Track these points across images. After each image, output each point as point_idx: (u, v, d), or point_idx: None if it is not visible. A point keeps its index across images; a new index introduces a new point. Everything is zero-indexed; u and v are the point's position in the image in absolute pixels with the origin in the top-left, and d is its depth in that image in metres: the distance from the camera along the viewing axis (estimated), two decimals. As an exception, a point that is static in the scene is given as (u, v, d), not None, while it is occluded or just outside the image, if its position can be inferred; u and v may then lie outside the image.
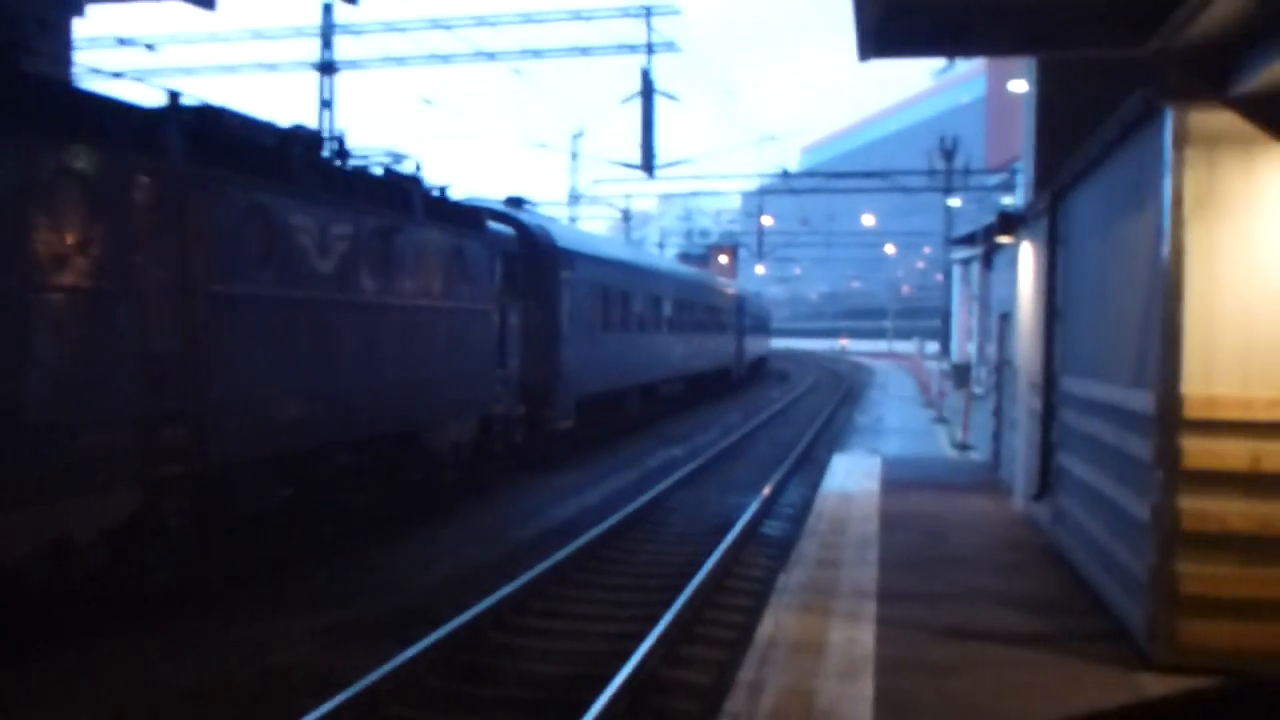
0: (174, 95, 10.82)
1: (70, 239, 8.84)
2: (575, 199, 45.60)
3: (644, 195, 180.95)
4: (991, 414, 18.90)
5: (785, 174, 46.59)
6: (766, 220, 64.55)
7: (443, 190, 16.40)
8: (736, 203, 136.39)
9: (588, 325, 23.98)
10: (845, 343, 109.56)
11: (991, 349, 20.71)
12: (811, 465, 22.07)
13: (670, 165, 35.50)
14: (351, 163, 14.06)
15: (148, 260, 9.71)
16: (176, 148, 10.25)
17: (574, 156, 46.04)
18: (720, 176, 58.38)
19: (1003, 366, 17.35)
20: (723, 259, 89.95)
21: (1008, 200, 34.66)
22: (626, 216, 52.46)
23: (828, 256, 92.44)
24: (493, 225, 18.59)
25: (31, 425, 8.47)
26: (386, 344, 14.08)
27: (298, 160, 12.35)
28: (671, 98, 31.07)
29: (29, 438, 8.46)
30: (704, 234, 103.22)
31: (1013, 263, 16.04)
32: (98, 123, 9.36)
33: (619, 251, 30.02)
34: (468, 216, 17.10)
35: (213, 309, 10.60)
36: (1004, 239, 16.79)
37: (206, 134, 10.83)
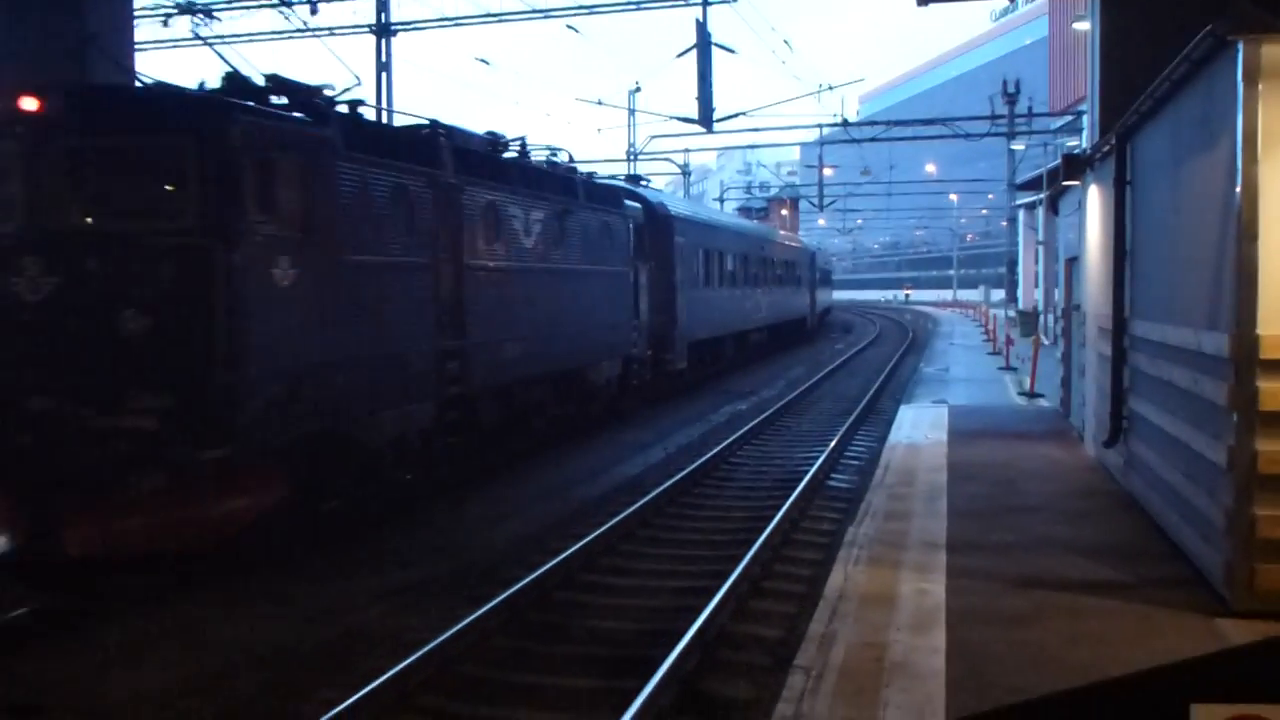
0: (434, 124, 14.78)
1: (420, 231, 13.35)
2: (634, 155, 45.01)
3: (702, 150, 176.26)
4: (1059, 360, 18.59)
5: (845, 123, 45.60)
6: (827, 171, 63.01)
7: (590, 175, 20.96)
8: (796, 155, 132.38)
9: (694, 282, 27.94)
10: (909, 293, 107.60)
11: (1059, 294, 20.38)
12: (877, 417, 21.95)
13: (728, 118, 34.60)
14: (533, 157, 18.02)
15: (440, 243, 13.78)
16: (448, 164, 14.27)
17: (631, 113, 45.42)
18: (779, 129, 58.95)
19: (1071, 312, 17.03)
20: (784, 212, 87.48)
21: (1073, 143, 33.23)
22: (686, 172, 51.75)
23: (889, 206, 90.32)
24: (626, 201, 22.27)
25: (393, 354, 12.60)
26: (565, 300, 17.97)
27: (507, 163, 16.44)
28: (728, 50, 29.26)
29: (394, 362, 12.61)
30: (764, 187, 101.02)
31: (1079, 206, 15.65)
32: (413, 151, 13.51)
33: (715, 217, 35.67)
34: (610, 196, 21.17)
35: (468, 277, 14.46)
36: (1070, 182, 16.50)
37: (457, 150, 14.64)
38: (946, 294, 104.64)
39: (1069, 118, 41.54)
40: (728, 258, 32.27)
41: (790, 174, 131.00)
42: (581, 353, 19.09)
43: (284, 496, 10.95)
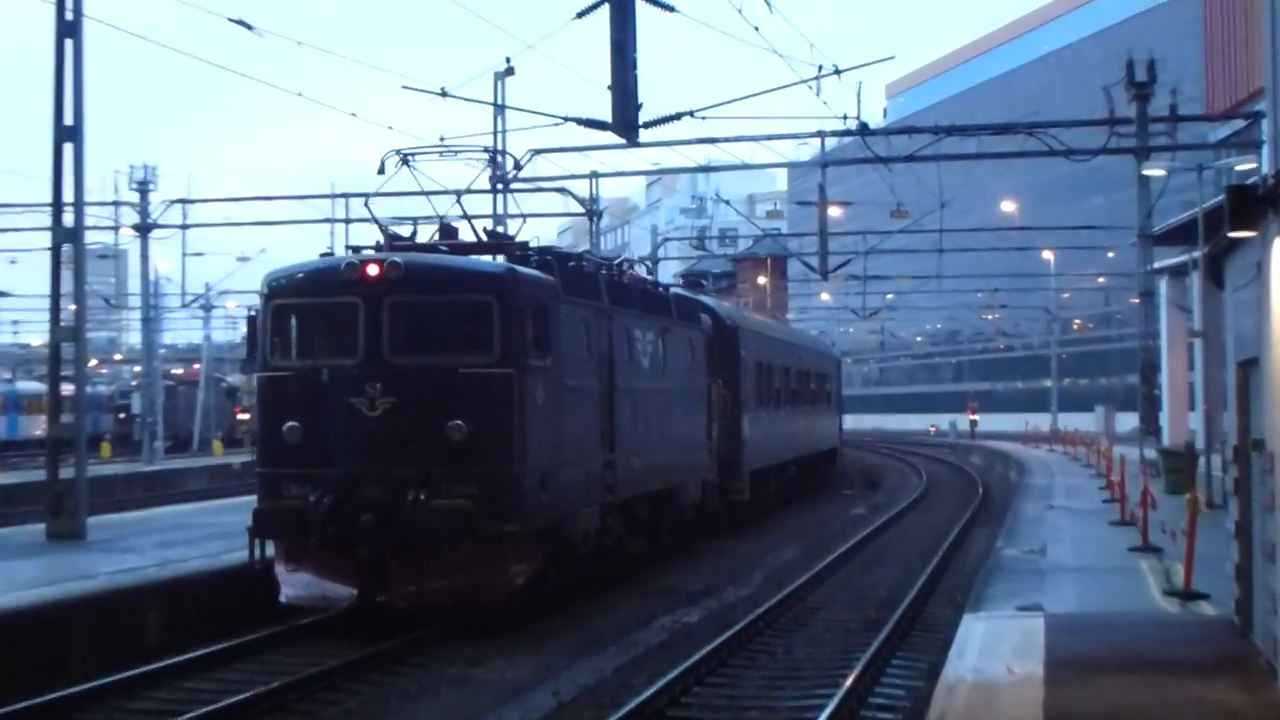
0: (595, 258, 19.37)
1: (595, 358, 17.36)
2: (503, 183, 26.95)
3: (623, 174, 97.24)
4: (1232, 535, 12.33)
5: (862, 130, 26.85)
6: (833, 211, 35.06)
7: (667, 287, 23.07)
8: (781, 183, 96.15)
9: (756, 401, 27.36)
10: (975, 417, 66.08)
11: (1229, 421, 13.51)
12: (925, 635, 15.21)
13: (663, 123, 21.09)
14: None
15: (602, 367, 17.40)
16: (604, 293, 17.80)
17: (499, 110, 27.91)
18: (753, 139, 29.29)
19: (1249, 452, 11.44)
20: (760, 280, 65.07)
21: (1245, 165, 21.69)
22: (594, 210, 30.62)
23: (940, 271, 49.18)
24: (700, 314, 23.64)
25: (581, 463, 16.56)
26: (668, 417, 20.16)
27: (630, 287, 19.50)
28: (664, 5, 18.14)
29: (582, 470, 16.57)
30: (727, 237, 76.22)
31: (1259, 273, 10.52)
32: (581, 284, 17.23)
33: (762, 323, 33.38)
34: (690, 309, 22.75)
35: (617, 396, 17.75)
36: (1242, 233, 11.10)
37: (607, 280, 18.47)
38: (1040, 419, 64.37)
39: (1238, 123, 27.52)
40: (776, 373, 30.62)
41: (771, 214, 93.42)
42: (676, 471, 20.80)
43: (540, 569, 14.93)
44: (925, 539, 24.45)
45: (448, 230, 17.06)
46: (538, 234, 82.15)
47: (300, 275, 15.32)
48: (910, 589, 17.45)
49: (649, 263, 21.84)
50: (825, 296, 70.29)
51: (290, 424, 14.49)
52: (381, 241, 16.48)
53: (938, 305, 71.34)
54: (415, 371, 14.32)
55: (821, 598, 17.76)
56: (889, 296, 67.66)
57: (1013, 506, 26.39)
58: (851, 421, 56.26)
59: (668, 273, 51.61)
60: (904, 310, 76.92)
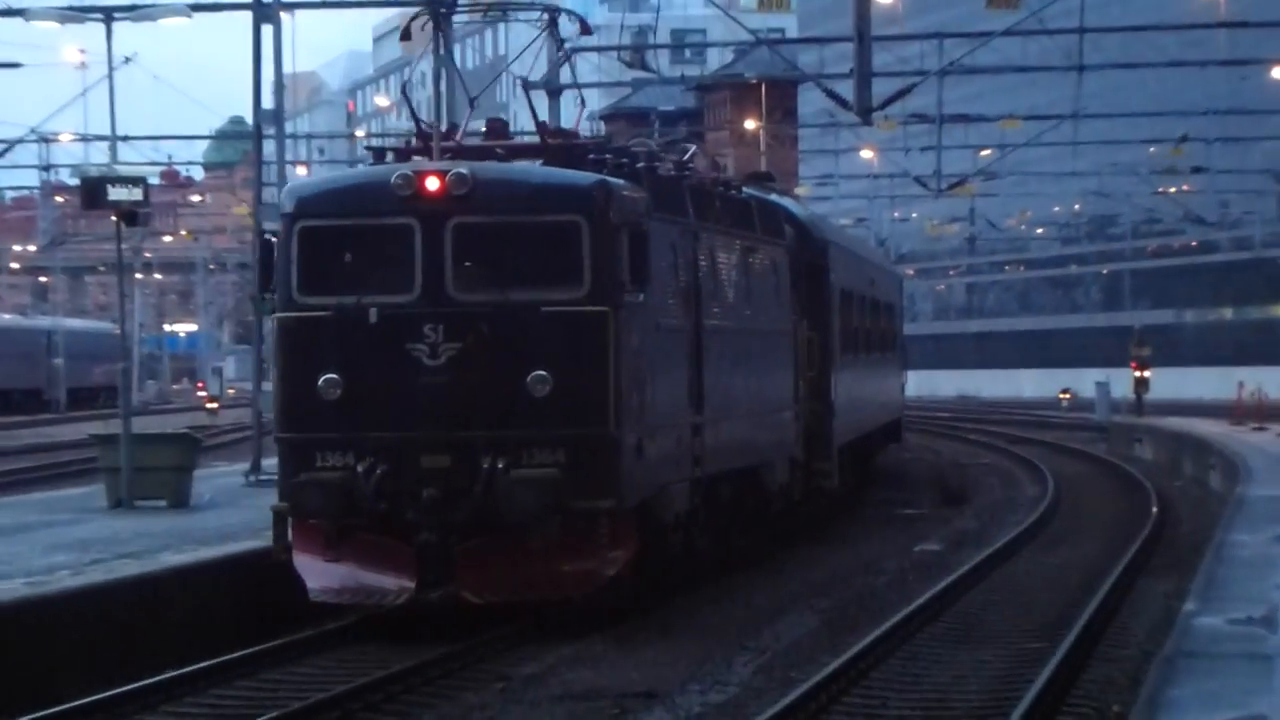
0: (655, 150, 15.73)
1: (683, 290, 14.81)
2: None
3: None
4: None
5: None
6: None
7: (738, 187, 18.11)
8: None
9: (845, 348, 21.93)
10: (1144, 373, 40.50)
11: None
12: None
13: None
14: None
15: (689, 301, 15.00)
16: (689, 205, 15.11)
17: None
18: None
19: None
20: (749, 123, 41.72)
21: None
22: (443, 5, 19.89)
23: (1073, 114, 32.57)
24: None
25: (668, 425, 14.12)
26: (753, 370, 16.93)
27: (713, 193, 16.38)
28: None
29: (670, 435, 14.17)
30: (691, 46, 52.67)
31: None
32: (666, 195, 14.54)
33: (839, 230, 26.40)
34: (772, 219, 18.40)
35: (705, 339, 15.17)
36: None
37: (692, 186, 15.56)
38: (1269, 376, 42.36)
39: None
40: (856, 305, 23.54)
41: (767, 4, 40.40)
42: (761, 443, 17.48)
43: (635, 557, 12.64)
44: (1053, 598, 15.17)
45: (497, 127, 15.02)
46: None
47: (339, 189, 13.66)
48: (1024, 694, 9.96)
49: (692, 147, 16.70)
50: (868, 155, 48.24)
51: (327, 376, 12.40)
52: (413, 142, 14.32)
53: (1073, 170, 46.43)
54: (486, 310, 12.52)
55: (863, 709, 10.30)
56: (983, 154, 43.26)
57: (1215, 539, 15.75)
58: (916, 382, 39.84)
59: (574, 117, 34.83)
60: (1011, 182, 50.27)
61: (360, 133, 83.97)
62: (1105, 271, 64.86)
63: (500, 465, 12.09)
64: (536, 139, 14.69)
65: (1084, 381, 45.49)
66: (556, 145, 14.23)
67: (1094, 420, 40.83)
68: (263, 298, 15.53)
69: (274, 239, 13.30)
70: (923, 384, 54.99)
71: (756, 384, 17.29)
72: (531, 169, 13.63)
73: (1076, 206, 62.23)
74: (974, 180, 44.46)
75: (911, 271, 70.25)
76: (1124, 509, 24.03)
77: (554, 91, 29.55)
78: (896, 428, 30.07)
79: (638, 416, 12.91)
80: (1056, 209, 62.97)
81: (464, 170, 12.63)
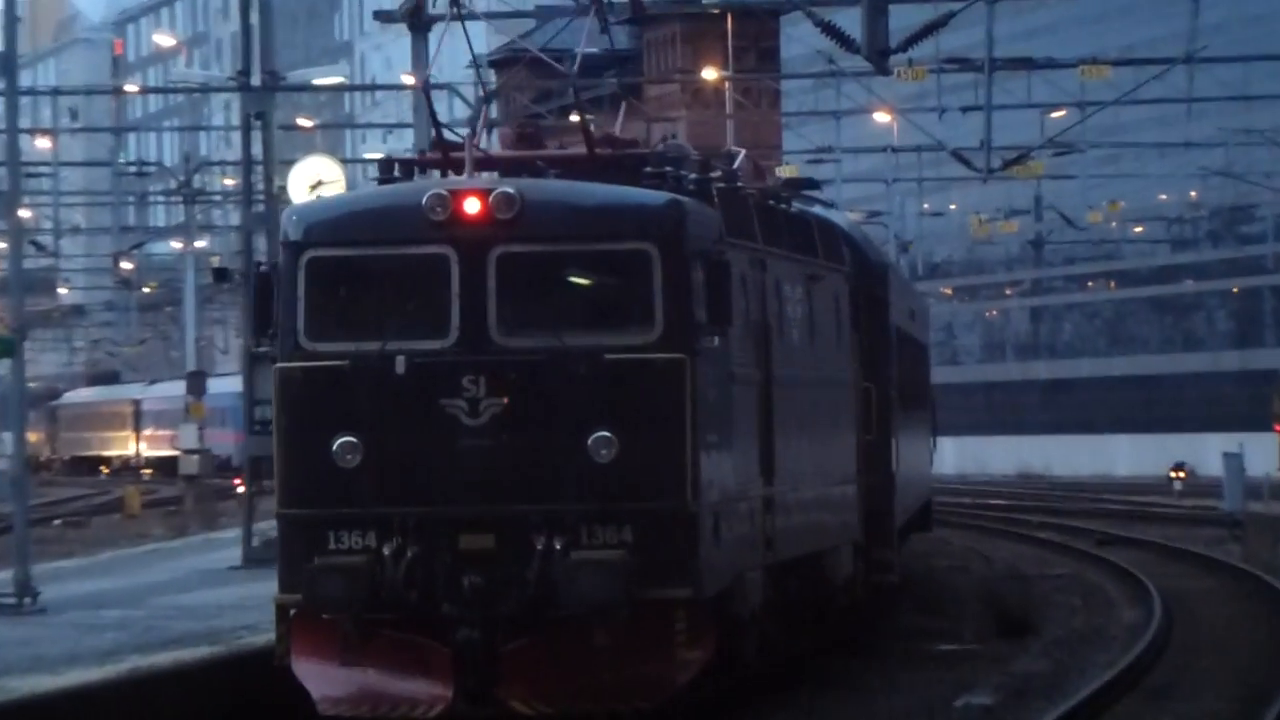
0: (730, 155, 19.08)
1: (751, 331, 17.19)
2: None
3: None
4: None
5: None
6: None
7: (788, 199, 20.98)
8: None
9: (905, 399, 25.41)
10: None
11: None
12: None
13: None
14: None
15: (758, 344, 17.51)
16: (756, 226, 17.70)
17: None
18: None
19: None
20: (708, 71, 44.10)
21: None
22: None
23: (1188, 56, 35.85)
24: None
25: (740, 496, 16.44)
26: (816, 428, 19.83)
27: (778, 212, 19.63)
28: None
29: (740, 509, 16.39)
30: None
31: None
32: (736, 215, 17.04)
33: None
34: (831, 239, 21.45)
35: (775, 392, 17.85)
36: None
37: (758, 204, 18.69)
38: None
39: None
40: (904, 348, 26.73)
41: None
42: (827, 523, 20.20)
43: (713, 658, 14.51)
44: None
45: (531, 134, 17.29)
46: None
47: (356, 212, 15.41)
48: None
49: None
50: (883, 119, 52.65)
51: (343, 439, 14.19)
52: (427, 152, 16.55)
53: (1187, 140, 48.42)
54: (538, 358, 14.30)
55: None
56: (1054, 117, 47.15)
57: None
58: (957, 453, 43.26)
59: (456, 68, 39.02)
60: (1095, 159, 54.60)
61: (133, 86, 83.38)
62: (1236, 290, 65.96)
63: (557, 546, 13.79)
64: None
65: (1206, 453, 47.70)
66: (606, 156, 16.16)
67: (1222, 510, 41.17)
68: (258, 344, 17.01)
69: (273, 272, 15.00)
70: (967, 456, 59.10)
71: (822, 449, 20.01)
72: (591, 187, 15.32)
73: (1193, 194, 63.34)
74: (1040, 156, 45.67)
75: (949, 291, 73.05)
76: (1266, 644, 24.31)
77: (420, 25, 29.64)
78: (926, 512, 31.76)
79: (715, 487, 14.84)
80: (1163, 197, 64.74)
81: (510, 189, 14.38)
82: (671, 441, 14.24)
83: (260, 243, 39.60)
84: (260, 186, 34.90)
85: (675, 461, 14.25)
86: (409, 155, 17.37)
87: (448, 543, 14.05)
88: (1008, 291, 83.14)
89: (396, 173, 16.22)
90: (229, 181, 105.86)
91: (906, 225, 64.53)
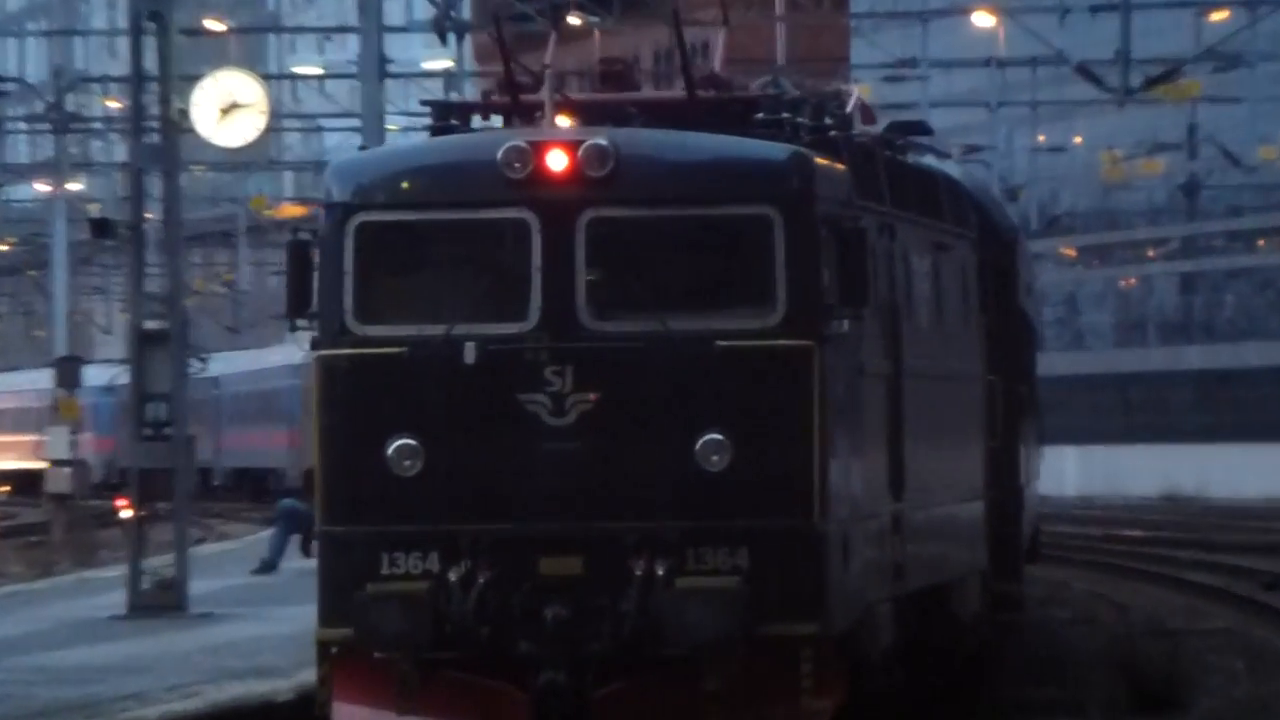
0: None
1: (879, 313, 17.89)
2: None
3: None
4: None
5: None
6: None
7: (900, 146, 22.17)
8: None
9: (1030, 395, 27.64)
10: None
11: None
12: None
13: None
14: None
15: (883, 335, 18.33)
16: (884, 185, 18.56)
17: None
18: None
19: None
20: None
21: None
22: None
23: None
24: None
25: (870, 514, 17.36)
26: (942, 432, 21.07)
27: (908, 168, 21.47)
28: None
29: (870, 529, 17.38)
30: None
31: None
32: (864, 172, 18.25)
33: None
34: (957, 200, 22.93)
35: (905, 387, 19.05)
36: None
37: (888, 159, 20.13)
38: None
39: None
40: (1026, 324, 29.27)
41: None
42: (956, 553, 21.51)
43: (843, 704, 15.26)
44: None
45: (620, 73, 18.19)
46: None
47: (416, 168, 15.83)
48: None
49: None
50: (985, 23, 58.47)
51: (401, 443, 14.83)
52: (494, 97, 17.35)
53: None
54: (636, 346, 14.90)
55: None
56: (1213, 19, 52.10)
57: None
58: (1082, 468, 50.17)
59: None
60: (1268, 76, 61.36)
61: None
62: None
63: (658, 572, 14.41)
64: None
65: None
66: (710, 100, 16.95)
67: None
68: (294, 327, 17.63)
69: (312, 241, 15.55)
70: (1094, 471, 61.46)
71: (950, 458, 21.32)
72: (698, 139, 15.90)
73: None
74: (1196, 72, 48.34)
75: (1072, 252, 72.17)
76: None
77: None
78: (1035, 539, 32.52)
79: (845, 501, 15.61)
80: None
81: (604, 141, 14.95)
82: (795, 446, 14.85)
83: (154, 185, 39.76)
84: (155, 110, 34.95)
85: (800, 470, 14.85)
86: (467, 100, 18.59)
87: (526, 567, 14.68)
88: (1150, 253, 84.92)
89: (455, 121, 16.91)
90: (113, 104, 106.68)
91: (1015, 164, 64.98)
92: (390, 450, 14.74)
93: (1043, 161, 71.58)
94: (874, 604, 16.76)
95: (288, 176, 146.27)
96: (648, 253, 15.20)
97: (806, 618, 14.67)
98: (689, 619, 14.12)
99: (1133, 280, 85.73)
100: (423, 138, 18.16)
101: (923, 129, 26.07)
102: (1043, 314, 36.12)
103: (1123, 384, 79.91)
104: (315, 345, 15.96)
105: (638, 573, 14.41)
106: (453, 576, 14.51)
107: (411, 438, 14.75)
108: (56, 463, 68.19)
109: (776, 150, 15.65)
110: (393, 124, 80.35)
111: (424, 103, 18.36)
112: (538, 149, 14.91)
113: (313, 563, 22.37)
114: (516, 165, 14.83)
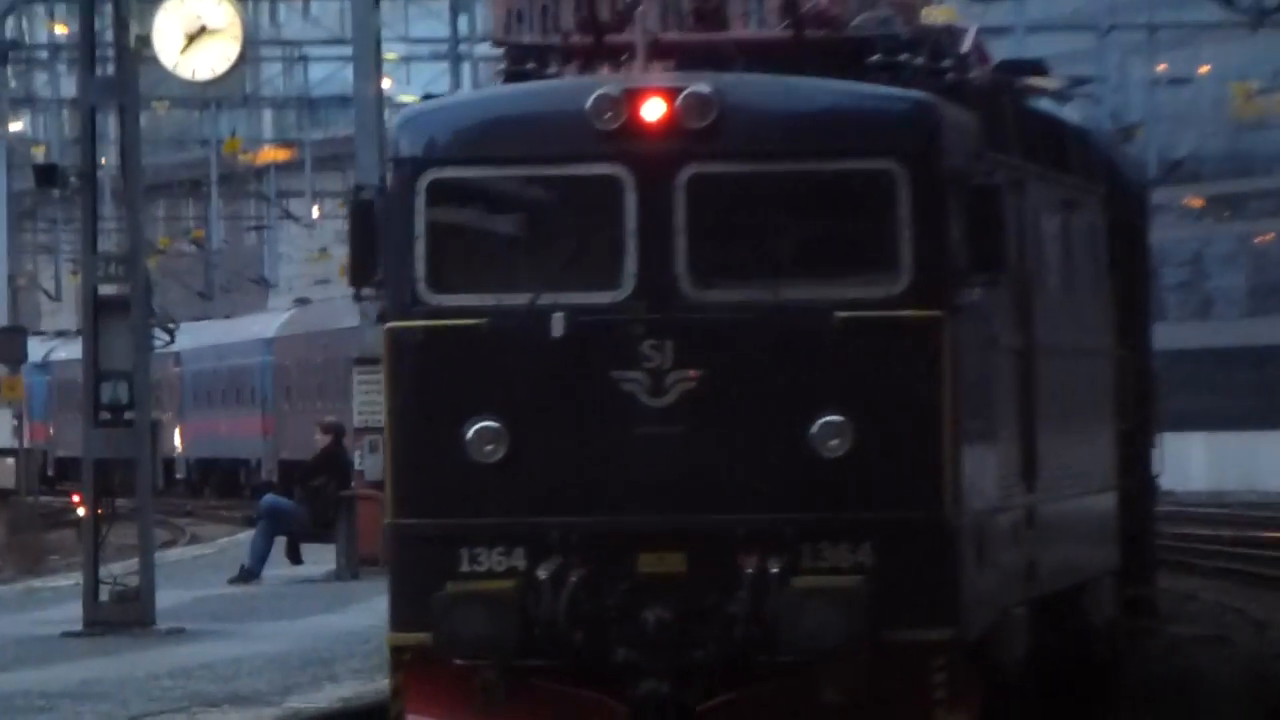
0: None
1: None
2: None
3: None
4: None
5: None
6: None
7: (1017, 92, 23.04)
8: None
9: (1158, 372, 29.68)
10: None
11: None
12: None
13: None
14: None
15: (1013, 306, 19.06)
16: (1014, 140, 19.43)
17: None
18: None
19: None
20: None
21: None
22: None
23: None
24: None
25: (999, 508, 18.05)
26: (1074, 414, 22.02)
27: (1041, 116, 23.36)
28: None
29: (1002, 522, 18.03)
30: None
31: None
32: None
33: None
34: (1083, 150, 24.27)
35: (1040, 366, 19.93)
36: None
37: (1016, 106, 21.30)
38: None
39: None
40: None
41: None
42: (1088, 552, 22.38)
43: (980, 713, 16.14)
44: None
45: (710, 11, 19.16)
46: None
47: (494, 119, 16.38)
48: None
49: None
50: None
51: (481, 425, 15.46)
52: (574, 38, 18.13)
53: None
54: (744, 318, 15.50)
55: None
56: None
57: None
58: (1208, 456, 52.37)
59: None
60: None
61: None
62: None
63: (771, 570, 14.98)
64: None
65: None
66: (819, 40, 17.72)
67: None
68: (359, 295, 18.33)
69: (378, 200, 16.21)
70: (1226, 462, 64.80)
71: (1082, 443, 22.14)
72: (811, 84, 16.57)
73: None
74: None
75: (1198, 202, 74.22)
76: None
77: None
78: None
79: (978, 492, 16.27)
80: None
81: (705, 87, 15.49)
82: (923, 429, 15.49)
83: (108, 126, 39.85)
84: (109, 38, 34.94)
85: (929, 456, 15.49)
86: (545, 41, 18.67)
87: (623, 565, 15.28)
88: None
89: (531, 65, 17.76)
90: (60, 29, 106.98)
91: (1129, 100, 64.95)
92: (469, 434, 15.33)
93: (1162, 96, 71.72)
94: (1009, 606, 17.36)
95: (266, 115, 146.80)
96: (756, 213, 15.61)
97: (938, 622, 15.18)
98: (806, 623, 14.56)
99: (1270, 236, 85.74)
100: (495, 85, 19.10)
101: (1035, 68, 26.45)
102: (1161, 276, 36.09)
103: (1259, 359, 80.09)
104: (383, 317, 16.53)
105: (748, 571, 14.91)
106: (541, 575, 15.03)
107: (493, 420, 15.30)
108: (-2, 453, 67.81)
109: (899, 97, 16.11)
110: (390, 52, 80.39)
111: (497, 43, 18.62)
112: (631, 97, 15.35)
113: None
114: (608, 115, 15.28)
